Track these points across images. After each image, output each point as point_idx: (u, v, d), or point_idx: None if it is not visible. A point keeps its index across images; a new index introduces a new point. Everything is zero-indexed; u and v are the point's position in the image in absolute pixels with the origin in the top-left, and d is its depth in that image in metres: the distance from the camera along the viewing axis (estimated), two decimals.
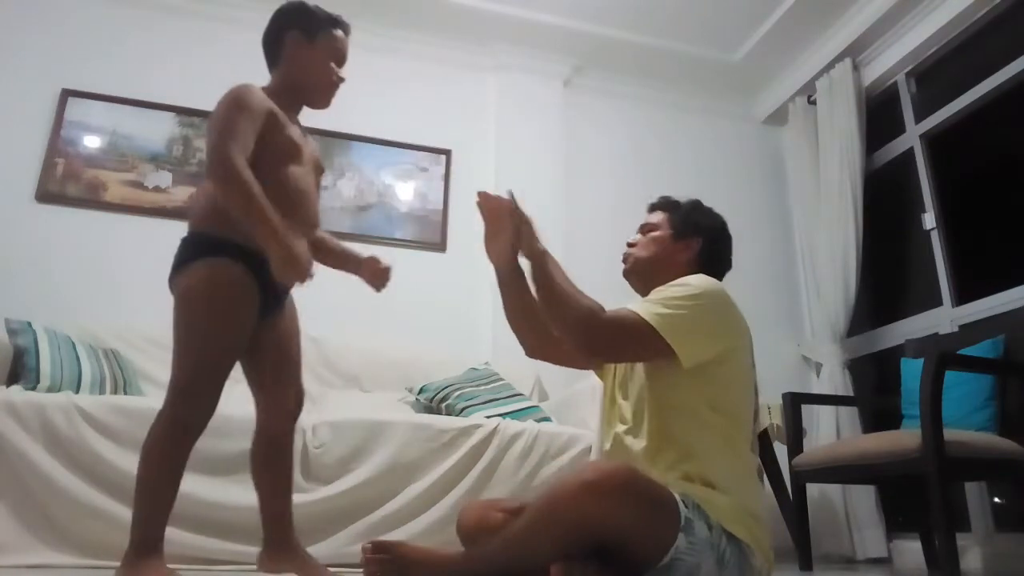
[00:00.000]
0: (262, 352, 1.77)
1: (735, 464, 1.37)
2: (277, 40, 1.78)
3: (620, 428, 1.49)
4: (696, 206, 1.65)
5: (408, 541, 2.31)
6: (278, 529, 1.77)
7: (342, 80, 1.83)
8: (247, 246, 1.59)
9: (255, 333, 1.69)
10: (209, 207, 1.63)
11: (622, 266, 1.67)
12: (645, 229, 1.65)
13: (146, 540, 1.56)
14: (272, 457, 1.80)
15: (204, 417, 1.61)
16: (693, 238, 1.59)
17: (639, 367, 1.47)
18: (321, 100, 1.83)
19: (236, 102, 1.59)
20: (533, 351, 1.70)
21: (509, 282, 1.65)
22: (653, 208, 1.68)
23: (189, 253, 1.64)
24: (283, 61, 1.78)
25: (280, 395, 1.80)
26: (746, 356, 1.45)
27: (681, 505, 1.24)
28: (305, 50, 1.76)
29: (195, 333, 1.60)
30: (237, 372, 3.09)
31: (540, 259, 1.49)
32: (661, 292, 1.41)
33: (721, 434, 1.37)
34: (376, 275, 1.90)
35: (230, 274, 1.60)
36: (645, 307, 1.37)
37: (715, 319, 1.40)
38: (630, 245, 1.65)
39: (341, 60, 1.81)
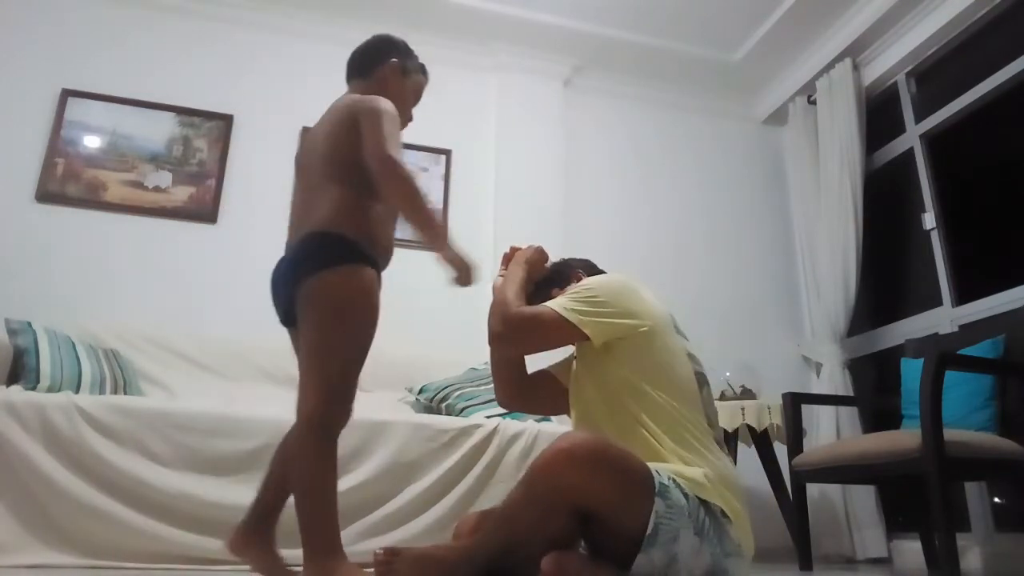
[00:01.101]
0: None
1: (692, 435, 1.43)
2: (378, 60, 1.90)
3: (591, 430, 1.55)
4: (557, 268, 1.81)
5: (412, 543, 2.32)
6: (272, 518, 1.75)
7: (410, 119, 1.99)
8: (377, 253, 1.71)
9: None
10: (345, 209, 1.67)
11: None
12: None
13: (331, 544, 1.54)
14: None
15: (350, 414, 1.65)
16: (572, 272, 1.75)
17: (585, 368, 1.58)
18: None
19: (393, 116, 1.71)
20: (510, 398, 1.82)
21: None
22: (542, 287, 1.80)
23: (328, 254, 1.63)
24: (375, 80, 1.89)
25: None
26: (664, 331, 1.53)
27: (655, 473, 1.28)
28: (399, 79, 1.91)
29: (348, 334, 1.63)
30: (235, 371, 3.10)
31: (505, 275, 1.72)
32: (573, 286, 1.60)
33: (667, 406, 1.44)
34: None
35: (374, 280, 1.69)
36: (556, 300, 1.54)
37: (616, 299, 1.52)
38: None
39: (418, 100, 2.00)
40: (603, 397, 1.51)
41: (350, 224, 1.66)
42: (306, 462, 1.57)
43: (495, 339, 1.59)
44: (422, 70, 2.00)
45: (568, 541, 1.28)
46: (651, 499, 1.25)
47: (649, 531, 1.23)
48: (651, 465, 1.31)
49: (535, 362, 1.75)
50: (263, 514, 1.75)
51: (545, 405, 1.80)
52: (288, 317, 1.75)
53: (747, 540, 1.39)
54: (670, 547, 1.26)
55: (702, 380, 1.52)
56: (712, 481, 1.35)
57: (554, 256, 1.84)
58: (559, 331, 1.51)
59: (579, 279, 1.70)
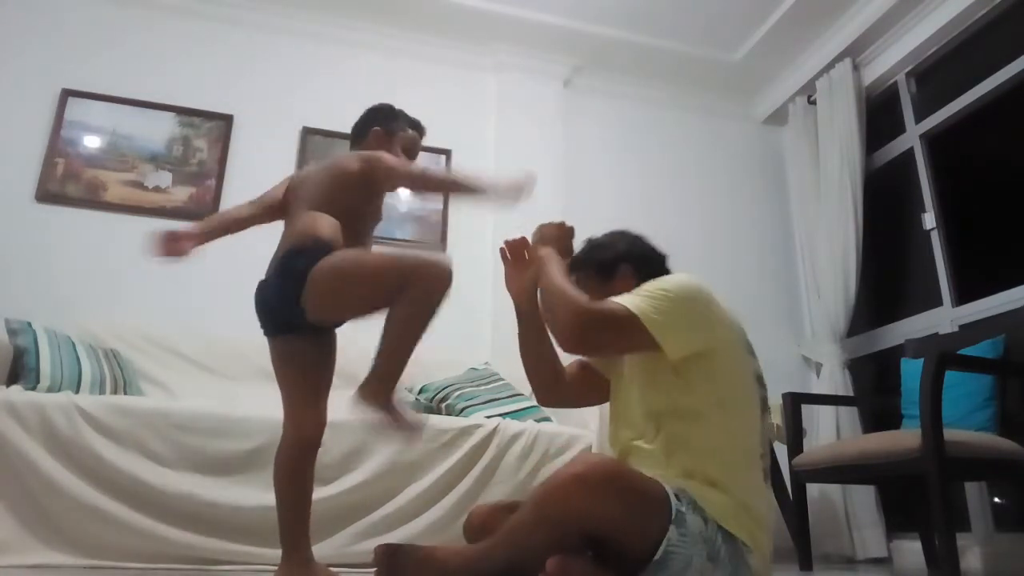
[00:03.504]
0: (325, 367, 1.91)
1: (737, 463, 1.36)
2: (363, 131, 2.09)
3: (628, 433, 1.47)
4: (596, 244, 1.66)
5: (413, 543, 2.32)
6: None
7: None
8: None
9: (327, 348, 1.91)
10: (327, 225, 1.80)
11: None
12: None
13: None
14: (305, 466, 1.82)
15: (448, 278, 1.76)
16: (620, 267, 1.58)
17: (639, 371, 1.47)
18: (386, 187, 2.07)
19: (403, 166, 1.99)
20: (547, 394, 1.73)
21: (527, 316, 1.67)
22: (572, 270, 1.63)
23: (316, 252, 1.73)
24: (364, 145, 2.06)
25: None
26: (739, 350, 1.43)
27: (673, 499, 1.24)
28: (381, 140, 2.05)
29: (369, 263, 1.76)
30: (235, 371, 3.10)
31: (542, 261, 1.53)
32: (645, 285, 1.40)
33: (724, 430, 1.36)
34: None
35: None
36: (631, 298, 1.36)
37: (697, 312, 1.38)
38: None
39: (410, 153, 2.13)
40: (652, 411, 1.41)
41: (327, 231, 1.78)
42: (285, 472, 1.75)
43: (570, 338, 1.36)
44: (412, 125, 2.14)
45: (575, 549, 1.25)
46: (665, 526, 1.21)
47: (658, 557, 1.20)
48: (672, 487, 1.26)
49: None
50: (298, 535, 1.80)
51: (589, 398, 1.70)
52: (271, 325, 1.83)
53: (765, 572, 1.33)
54: (681, 573, 1.22)
55: (764, 407, 1.44)
56: (738, 510, 1.30)
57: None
58: (633, 338, 1.33)
59: (627, 278, 1.54)
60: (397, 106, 2.14)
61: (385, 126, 2.08)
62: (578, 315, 1.35)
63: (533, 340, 1.68)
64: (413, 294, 1.63)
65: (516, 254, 1.69)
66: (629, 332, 1.33)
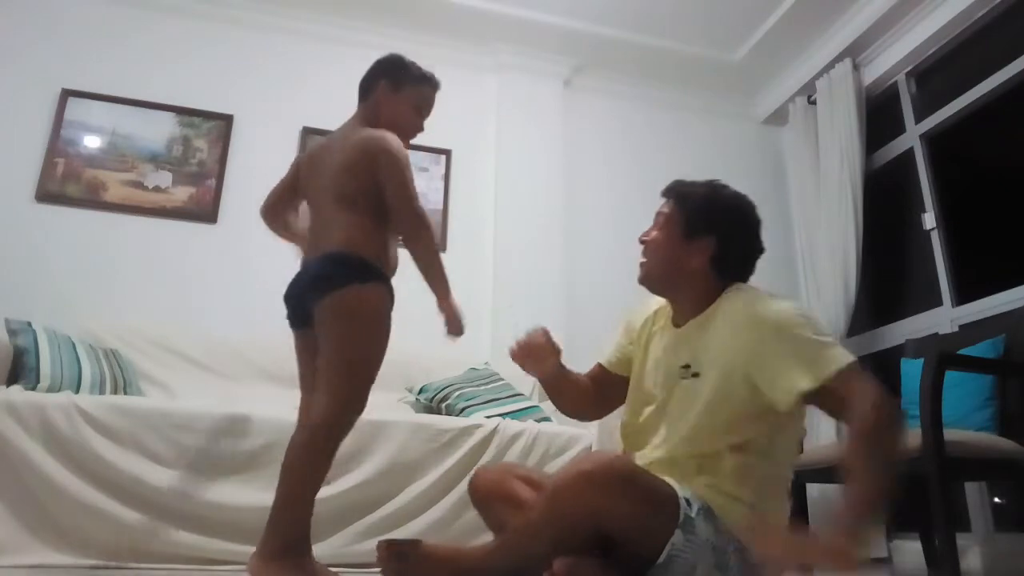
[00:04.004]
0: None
1: (771, 490, 1.35)
2: (371, 83, 2.01)
3: (656, 439, 1.42)
4: (710, 196, 1.47)
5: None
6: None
7: (421, 130, 2.09)
8: (387, 274, 1.87)
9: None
10: (359, 233, 1.83)
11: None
12: (657, 221, 1.51)
13: (301, 540, 1.68)
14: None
15: (354, 423, 1.78)
16: (704, 238, 1.42)
17: (683, 400, 1.38)
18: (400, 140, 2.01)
19: (405, 159, 1.88)
20: (596, 412, 1.68)
21: (558, 379, 1.61)
22: (665, 194, 1.53)
23: (349, 274, 1.78)
24: (371, 103, 2.00)
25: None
26: None
27: (684, 503, 1.23)
28: (389, 96, 1.98)
29: (361, 349, 1.77)
30: (235, 371, 3.10)
31: None
32: (790, 341, 1.27)
33: (769, 460, 1.34)
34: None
35: (388, 300, 1.83)
36: (838, 351, 1.25)
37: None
38: (642, 242, 1.52)
39: (422, 110, 2.05)
40: (700, 434, 1.33)
41: (367, 247, 1.81)
42: (302, 464, 1.69)
43: (884, 423, 1.20)
44: (422, 78, 2.03)
45: (583, 553, 1.24)
46: (671, 529, 1.20)
47: (661, 560, 1.19)
48: (694, 495, 1.26)
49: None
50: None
51: (612, 406, 1.65)
52: (297, 319, 1.89)
53: None
54: None
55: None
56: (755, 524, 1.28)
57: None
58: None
59: (704, 252, 1.41)
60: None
61: (392, 79, 1.99)
62: (878, 420, 1.20)
63: (570, 389, 1.62)
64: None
65: (536, 351, 1.56)
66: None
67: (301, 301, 1.85)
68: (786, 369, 1.26)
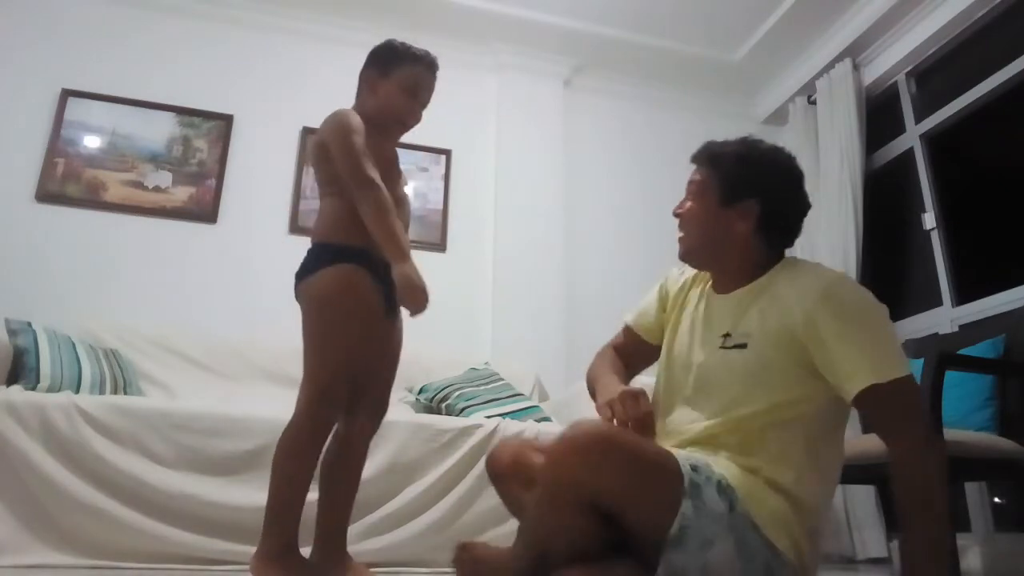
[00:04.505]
0: None
1: (810, 466, 1.23)
2: (364, 72, 1.91)
3: (693, 414, 1.30)
4: (745, 155, 1.35)
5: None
6: (331, 533, 1.80)
7: (418, 113, 1.92)
8: (371, 252, 1.72)
9: None
10: (333, 219, 1.76)
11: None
12: (690, 190, 1.41)
13: (291, 539, 1.64)
14: (339, 460, 1.81)
15: (339, 413, 1.71)
16: (746, 201, 1.31)
17: (753, 359, 1.25)
18: (390, 130, 1.91)
19: (347, 126, 1.73)
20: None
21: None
22: (696, 159, 1.42)
23: (315, 262, 1.73)
24: (363, 92, 1.90)
25: (359, 403, 1.82)
26: None
27: (688, 468, 1.13)
28: (375, 83, 1.87)
29: (330, 335, 1.68)
30: (235, 371, 3.10)
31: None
32: (864, 329, 1.19)
33: (806, 431, 1.23)
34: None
35: (355, 277, 1.71)
36: (897, 359, 1.18)
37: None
38: (676, 215, 1.41)
39: (414, 93, 1.88)
40: (739, 407, 1.24)
41: (342, 231, 1.74)
42: (294, 460, 1.65)
43: (921, 453, 1.18)
44: (412, 58, 1.89)
45: (597, 545, 1.13)
46: (677, 499, 1.10)
47: (674, 531, 1.09)
48: (689, 460, 1.15)
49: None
50: (329, 529, 1.79)
51: (636, 372, 1.54)
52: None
53: None
54: (700, 553, 1.09)
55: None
56: (789, 518, 1.18)
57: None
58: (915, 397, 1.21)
59: (747, 219, 1.32)
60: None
61: (379, 65, 1.87)
62: (927, 448, 1.19)
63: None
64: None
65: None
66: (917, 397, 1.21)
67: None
68: (853, 355, 1.16)
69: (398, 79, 1.86)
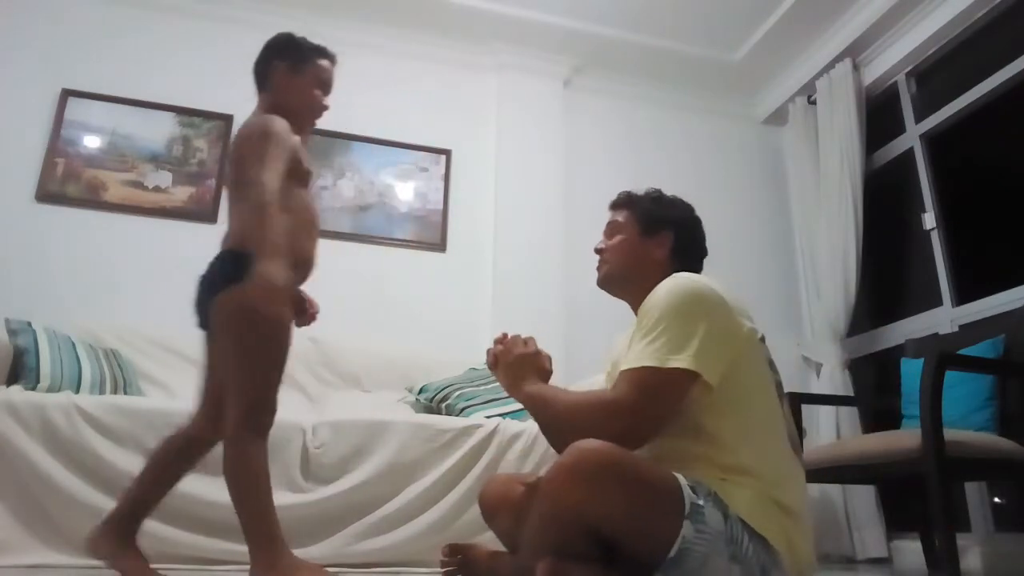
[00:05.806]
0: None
1: (765, 450, 1.25)
2: (267, 68, 1.88)
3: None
4: (658, 198, 1.58)
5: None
6: (140, 516, 1.79)
7: (325, 108, 1.93)
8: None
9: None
10: (245, 227, 1.69)
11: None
12: (610, 230, 1.58)
13: (273, 542, 1.62)
14: (191, 455, 1.83)
15: (274, 415, 1.69)
16: (663, 232, 1.51)
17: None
18: (305, 125, 1.90)
19: (259, 133, 1.69)
20: None
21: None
22: (615, 206, 1.60)
23: (236, 271, 1.63)
24: (270, 88, 1.87)
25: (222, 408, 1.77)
26: (754, 341, 1.32)
27: (688, 491, 1.13)
28: (290, 79, 1.85)
29: (257, 347, 1.65)
30: None
31: (533, 400, 1.37)
32: (643, 323, 1.28)
33: (747, 420, 1.26)
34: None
35: (277, 290, 1.64)
36: (639, 355, 1.23)
37: (714, 322, 1.25)
38: (598, 251, 1.58)
39: (326, 87, 1.90)
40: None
41: (252, 239, 1.64)
42: (246, 472, 1.65)
43: (628, 438, 1.17)
44: (318, 53, 1.88)
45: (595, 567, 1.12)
46: (678, 521, 1.09)
47: (672, 555, 1.08)
48: (687, 480, 1.15)
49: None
50: (133, 512, 1.77)
51: None
52: (204, 322, 1.78)
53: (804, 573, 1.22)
54: (699, 570, 1.10)
55: (780, 391, 1.34)
56: (765, 503, 1.19)
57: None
58: (676, 389, 1.20)
59: (664, 247, 1.48)
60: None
61: (290, 61, 1.84)
62: (613, 415, 1.20)
63: None
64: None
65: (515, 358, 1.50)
66: (666, 389, 1.20)
67: (202, 304, 1.75)
68: (634, 344, 1.28)
69: (313, 73, 1.87)
